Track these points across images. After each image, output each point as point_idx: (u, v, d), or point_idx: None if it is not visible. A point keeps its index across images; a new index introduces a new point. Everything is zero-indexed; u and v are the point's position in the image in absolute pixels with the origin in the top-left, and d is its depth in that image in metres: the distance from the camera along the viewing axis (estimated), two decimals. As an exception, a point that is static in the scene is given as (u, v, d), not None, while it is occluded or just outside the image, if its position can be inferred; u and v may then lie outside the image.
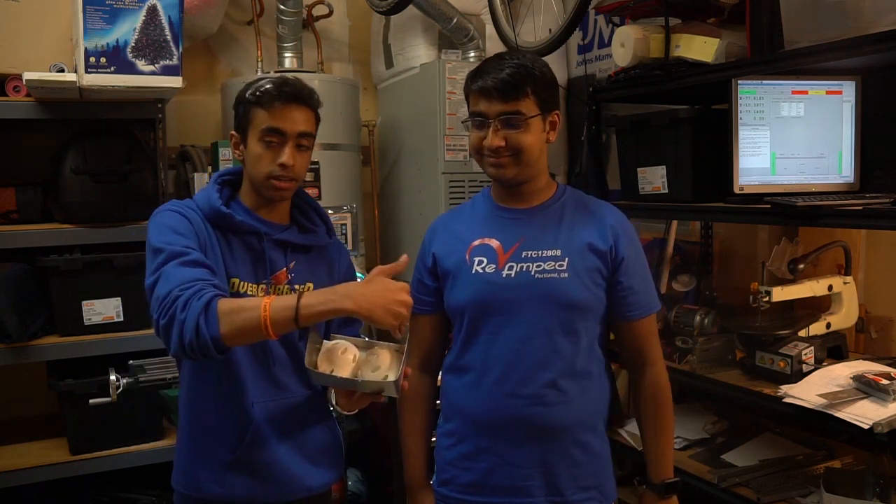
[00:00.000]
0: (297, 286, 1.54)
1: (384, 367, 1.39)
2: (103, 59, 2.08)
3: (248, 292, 1.49)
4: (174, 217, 1.45)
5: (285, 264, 1.53)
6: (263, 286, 1.50)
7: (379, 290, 1.28)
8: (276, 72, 2.92)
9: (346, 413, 1.55)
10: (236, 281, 1.48)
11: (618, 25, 2.36)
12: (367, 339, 1.49)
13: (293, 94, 1.46)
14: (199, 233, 1.45)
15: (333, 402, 1.55)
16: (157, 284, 1.33)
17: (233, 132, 1.53)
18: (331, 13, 3.15)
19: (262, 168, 1.46)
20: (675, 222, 2.63)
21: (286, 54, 2.92)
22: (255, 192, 1.53)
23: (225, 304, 1.28)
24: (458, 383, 1.59)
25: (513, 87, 1.46)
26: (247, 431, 1.48)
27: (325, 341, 1.45)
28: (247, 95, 1.48)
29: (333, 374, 1.39)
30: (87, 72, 2.07)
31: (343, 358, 1.40)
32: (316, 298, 1.28)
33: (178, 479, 1.55)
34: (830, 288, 2.19)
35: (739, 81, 1.94)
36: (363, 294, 1.27)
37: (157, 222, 1.45)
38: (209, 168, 2.62)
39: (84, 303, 2.28)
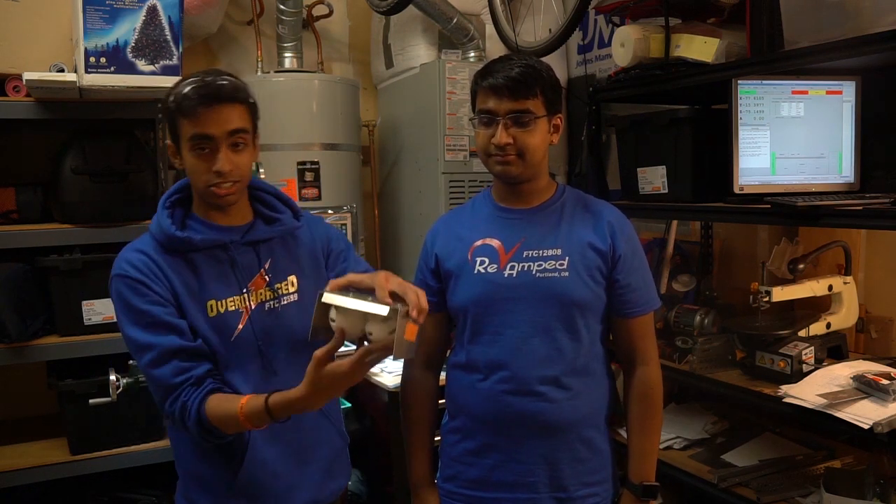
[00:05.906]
0: (278, 285, 1.46)
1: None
2: (103, 59, 2.07)
3: (230, 308, 1.41)
4: (128, 291, 1.36)
5: (260, 266, 1.45)
6: (245, 295, 1.43)
7: (326, 386, 1.22)
8: (275, 72, 2.92)
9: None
10: (213, 303, 1.39)
11: (618, 25, 2.36)
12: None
13: (213, 94, 1.33)
14: (156, 286, 1.36)
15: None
16: (148, 385, 1.39)
17: (168, 142, 1.42)
18: (331, 13, 3.15)
19: (200, 179, 1.37)
20: (675, 222, 2.63)
21: (286, 54, 2.92)
22: (206, 200, 1.44)
23: (211, 413, 1.29)
24: (464, 381, 1.59)
25: (523, 86, 1.47)
26: (243, 456, 1.41)
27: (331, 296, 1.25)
28: (169, 103, 1.36)
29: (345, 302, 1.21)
30: (87, 72, 2.06)
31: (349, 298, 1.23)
32: (280, 405, 1.26)
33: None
34: (830, 288, 2.19)
35: (739, 81, 1.94)
36: (319, 396, 1.23)
37: (119, 301, 1.37)
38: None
39: (84, 303, 2.28)
